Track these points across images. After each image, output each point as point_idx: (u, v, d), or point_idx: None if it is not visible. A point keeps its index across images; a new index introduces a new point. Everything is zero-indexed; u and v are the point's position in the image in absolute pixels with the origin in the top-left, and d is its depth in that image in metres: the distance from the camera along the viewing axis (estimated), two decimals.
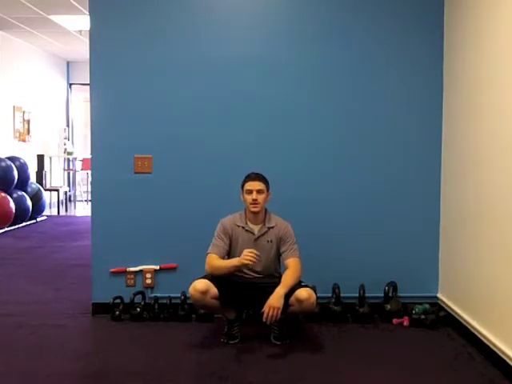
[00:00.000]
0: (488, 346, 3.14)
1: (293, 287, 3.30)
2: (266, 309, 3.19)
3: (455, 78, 3.74)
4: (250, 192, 3.44)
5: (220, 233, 3.50)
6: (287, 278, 3.32)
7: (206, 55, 3.91)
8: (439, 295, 3.98)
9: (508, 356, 2.91)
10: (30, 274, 5.23)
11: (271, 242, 3.50)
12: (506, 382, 2.89)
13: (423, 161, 3.99)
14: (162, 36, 3.91)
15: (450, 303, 3.79)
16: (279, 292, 3.23)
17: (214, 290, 3.31)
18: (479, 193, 3.33)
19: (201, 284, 3.31)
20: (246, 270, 3.45)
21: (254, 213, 3.47)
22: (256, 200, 3.42)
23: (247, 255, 3.24)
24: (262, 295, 3.26)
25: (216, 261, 3.40)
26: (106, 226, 3.98)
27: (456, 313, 3.65)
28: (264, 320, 3.20)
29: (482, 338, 3.24)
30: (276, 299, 3.21)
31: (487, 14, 3.24)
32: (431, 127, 3.96)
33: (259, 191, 3.43)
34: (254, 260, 3.24)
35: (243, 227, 3.50)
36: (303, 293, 3.28)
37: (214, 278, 3.36)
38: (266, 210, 3.54)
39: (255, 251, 3.26)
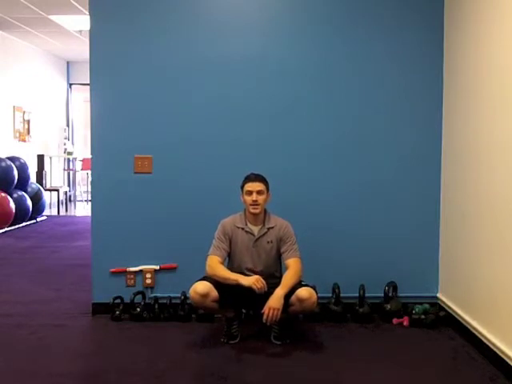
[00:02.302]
0: (488, 346, 3.14)
1: (293, 287, 3.30)
2: (265, 310, 3.20)
3: (455, 78, 3.74)
4: (249, 193, 3.43)
5: (220, 234, 3.49)
6: (287, 279, 3.33)
7: (206, 55, 3.91)
8: (439, 295, 3.98)
9: (508, 356, 2.91)
10: (30, 274, 5.23)
11: (271, 242, 3.49)
12: (506, 381, 2.89)
13: (423, 161, 3.99)
14: (161, 36, 3.91)
15: (450, 303, 3.79)
16: (279, 293, 3.23)
17: (214, 293, 3.31)
18: (479, 193, 3.33)
19: (201, 287, 3.30)
20: (246, 272, 3.45)
21: (253, 214, 3.47)
22: (256, 201, 3.41)
23: (259, 283, 3.23)
24: (262, 296, 3.25)
25: (220, 268, 3.38)
26: (105, 225, 3.98)
27: (456, 313, 3.65)
28: (264, 321, 3.21)
29: (481, 338, 3.24)
30: (276, 300, 3.21)
31: (487, 13, 3.24)
32: (431, 127, 3.96)
33: (259, 192, 3.43)
34: (262, 290, 3.23)
35: (243, 228, 3.50)
36: (304, 292, 3.28)
37: (215, 279, 3.35)
38: (265, 210, 3.54)
39: (265, 284, 3.25)
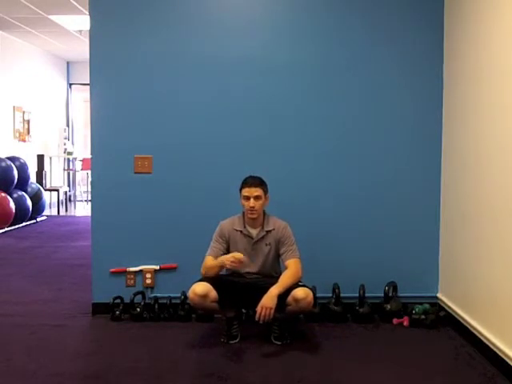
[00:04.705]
0: (488, 346, 3.15)
1: (290, 287, 3.30)
2: (258, 309, 3.20)
3: (455, 78, 3.74)
4: (247, 198, 3.43)
5: (217, 236, 3.51)
6: (284, 279, 3.32)
7: (206, 55, 3.91)
8: (439, 295, 3.98)
9: (508, 356, 2.91)
10: (30, 274, 5.23)
11: (270, 244, 3.50)
12: (506, 381, 2.89)
13: (423, 161, 3.99)
14: (161, 36, 3.91)
15: (450, 303, 3.79)
16: (272, 292, 3.23)
17: (213, 294, 3.32)
18: (479, 193, 3.33)
19: (200, 287, 3.31)
20: (244, 273, 3.46)
21: (251, 219, 3.47)
22: (253, 207, 3.41)
23: (233, 259, 3.26)
24: (261, 295, 3.25)
25: (209, 262, 3.42)
26: (105, 225, 3.98)
27: (456, 313, 3.66)
28: (256, 320, 3.21)
29: (481, 338, 3.24)
30: (269, 299, 3.20)
31: (487, 13, 3.24)
32: (431, 127, 3.96)
33: (256, 197, 3.42)
34: (237, 265, 3.28)
35: (241, 231, 3.50)
36: (300, 292, 3.28)
37: (213, 280, 3.36)
38: (264, 212, 3.54)
39: (241, 256, 3.28)
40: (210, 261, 3.43)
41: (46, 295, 4.52)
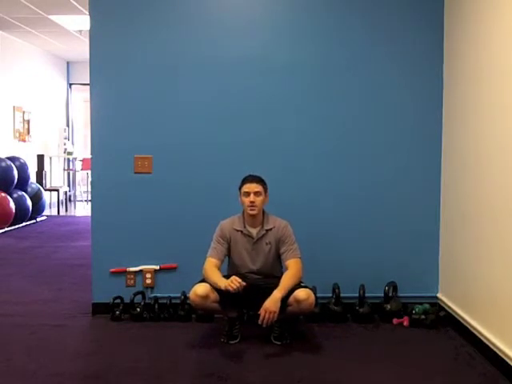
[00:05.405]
0: (488, 346, 3.15)
1: (292, 288, 3.30)
2: (261, 312, 3.18)
3: (455, 78, 3.74)
4: (247, 194, 3.43)
5: (218, 237, 3.50)
6: (285, 280, 3.32)
7: (206, 55, 3.91)
8: (439, 295, 3.98)
9: (508, 356, 2.91)
10: (30, 274, 5.23)
11: (270, 243, 3.49)
12: (506, 381, 2.89)
13: (423, 161, 3.99)
14: (161, 36, 3.91)
15: (450, 303, 3.79)
16: (276, 295, 3.22)
17: (214, 295, 3.32)
18: (479, 193, 3.33)
19: (201, 289, 3.31)
20: (245, 273, 3.46)
21: (251, 215, 3.47)
22: (253, 202, 3.41)
23: (234, 283, 3.15)
24: (262, 296, 3.25)
25: (211, 272, 3.35)
26: (105, 225, 3.98)
27: (456, 313, 3.66)
28: (260, 323, 3.20)
29: (481, 338, 3.24)
30: (272, 302, 3.19)
31: (487, 13, 3.24)
32: (431, 127, 3.96)
33: (256, 193, 3.42)
34: (238, 290, 3.15)
35: (241, 231, 3.50)
36: (302, 293, 3.28)
37: None
38: (264, 211, 3.54)
39: (241, 282, 3.17)
40: (211, 267, 3.37)
41: (46, 295, 4.52)
